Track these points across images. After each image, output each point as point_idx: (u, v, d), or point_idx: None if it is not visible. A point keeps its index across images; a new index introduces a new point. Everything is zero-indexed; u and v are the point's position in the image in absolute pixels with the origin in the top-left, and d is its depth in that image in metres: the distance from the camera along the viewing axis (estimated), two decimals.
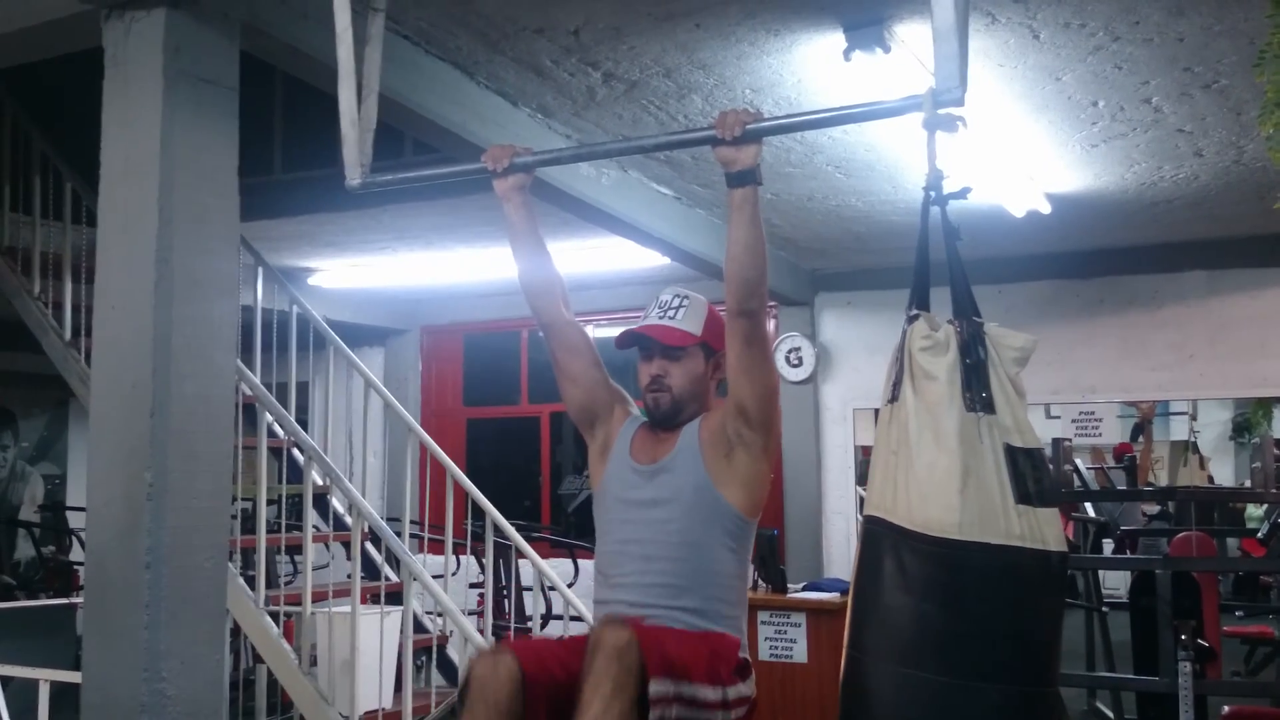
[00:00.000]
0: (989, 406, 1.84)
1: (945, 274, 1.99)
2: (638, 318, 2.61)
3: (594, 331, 8.04)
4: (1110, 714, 6.35)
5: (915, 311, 1.97)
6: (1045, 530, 1.81)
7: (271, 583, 5.16)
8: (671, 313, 2.54)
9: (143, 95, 2.86)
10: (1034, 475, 1.83)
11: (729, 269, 2.31)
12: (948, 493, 1.81)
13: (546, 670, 2.19)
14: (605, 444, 2.64)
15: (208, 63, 2.92)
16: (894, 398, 1.93)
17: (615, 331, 2.61)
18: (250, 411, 5.18)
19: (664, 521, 2.44)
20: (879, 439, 1.97)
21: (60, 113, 5.81)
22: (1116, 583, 9.73)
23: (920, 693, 1.80)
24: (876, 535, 1.90)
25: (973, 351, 1.87)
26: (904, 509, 1.85)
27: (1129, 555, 7.59)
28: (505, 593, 6.29)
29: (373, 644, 4.71)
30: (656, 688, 2.06)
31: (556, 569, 5.82)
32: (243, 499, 5.32)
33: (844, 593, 6.09)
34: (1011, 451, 1.83)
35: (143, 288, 2.81)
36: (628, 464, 2.56)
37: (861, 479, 7.41)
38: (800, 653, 6.11)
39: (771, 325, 7.72)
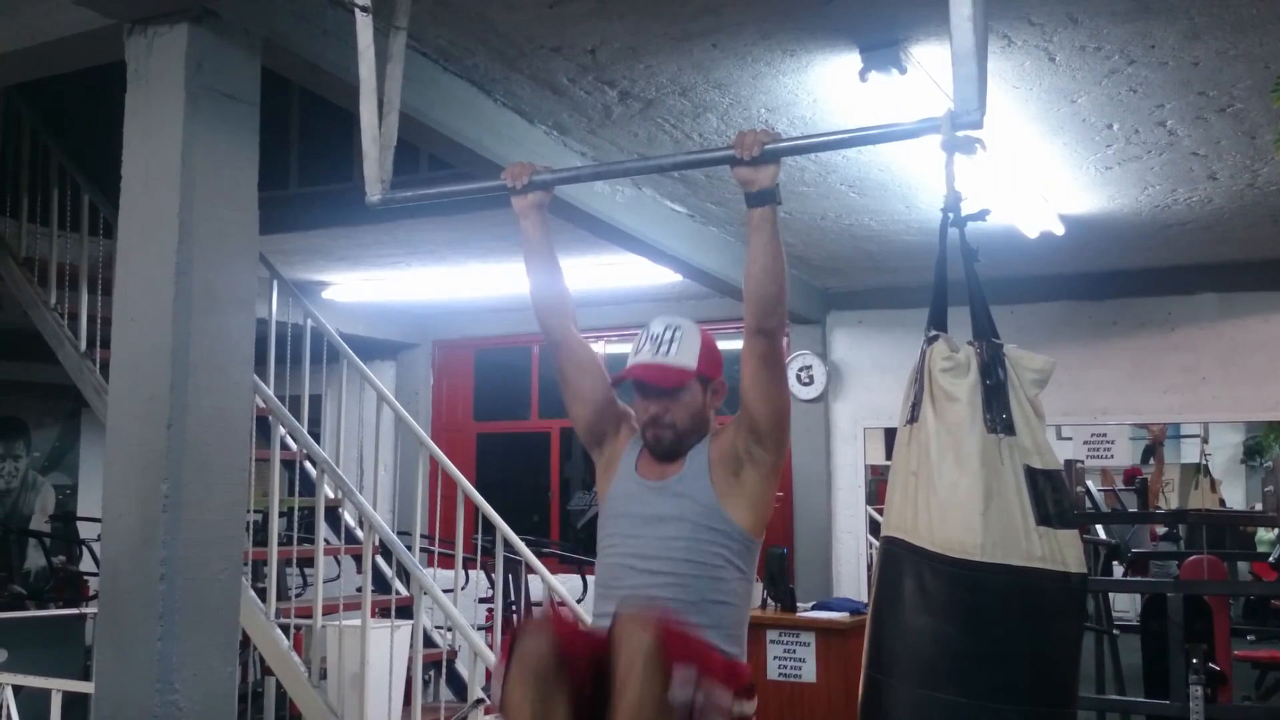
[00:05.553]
0: (1009, 428, 1.84)
1: (962, 294, 1.99)
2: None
3: (606, 347, 8.02)
4: None
5: (934, 332, 1.97)
6: (1065, 552, 1.81)
7: (282, 595, 5.16)
8: (665, 347, 2.47)
9: (164, 109, 2.87)
10: (1054, 497, 1.83)
11: (748, 287, 2.31)
12: (970, 514, 1.81)
13: (581, 649, 2.20)
14: (611, 461, 2.63)
15: (229, 78, 2.94)
16: (913, 418, 1.93)
17: (628, 347, 2.59)
18: (263, 423, 5.19)
19: (670, 538, 2.42)
20: (898, 459, 1.97)
21: (78, 125, 5.85)
22: (1126, 605, 9.68)
23: (939, 714, 1.80)
24: (896, 556, 1.90)
25: (993, 373, 1.87)
26: (925, 530, 1.85)
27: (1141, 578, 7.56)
28: (514, 608, 6.29)
29: (382, 658, 4.71)
30: (683, 674, 2.06)
31: (565, 584, 5.81)
32: (254, 511, 5.33)
33: (854, 612, 6.08)
34: (1032, 473, 1.83)
35: (162, 300, 2.82)
36: (634, 479, 2.55)
37: (871, 498, 7.39)
38: (809, 672, 6.08)
39: (784, 343, 7.72)
